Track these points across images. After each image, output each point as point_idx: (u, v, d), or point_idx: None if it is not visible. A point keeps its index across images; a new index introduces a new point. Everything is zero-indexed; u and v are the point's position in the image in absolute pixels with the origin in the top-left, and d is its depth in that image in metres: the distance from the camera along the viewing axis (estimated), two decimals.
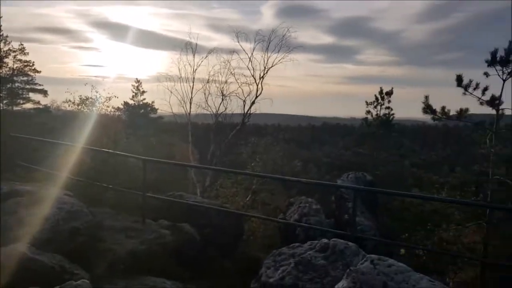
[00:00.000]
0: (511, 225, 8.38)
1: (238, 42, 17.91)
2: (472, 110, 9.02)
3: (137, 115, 25.72)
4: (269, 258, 4.05)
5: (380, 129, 18.94)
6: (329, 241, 4.01)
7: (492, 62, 8.19)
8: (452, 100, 8.76)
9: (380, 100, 19.00)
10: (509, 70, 8.45)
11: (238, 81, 17.89)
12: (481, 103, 8.30)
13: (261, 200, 15.67)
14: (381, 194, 10.19)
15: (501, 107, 8.59)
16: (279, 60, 17.56)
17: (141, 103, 26.68)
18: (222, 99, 17.90)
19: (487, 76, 8.32)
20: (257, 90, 17.59)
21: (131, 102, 26.50)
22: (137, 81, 26.70)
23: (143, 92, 26.50)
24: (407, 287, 2.79)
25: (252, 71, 17.83)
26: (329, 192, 12.25)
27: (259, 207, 15.17)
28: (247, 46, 18.47)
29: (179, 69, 18.58)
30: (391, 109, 19.13)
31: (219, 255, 5.91)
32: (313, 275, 3.60)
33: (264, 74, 17.54)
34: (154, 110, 25.95)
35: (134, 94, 26.57)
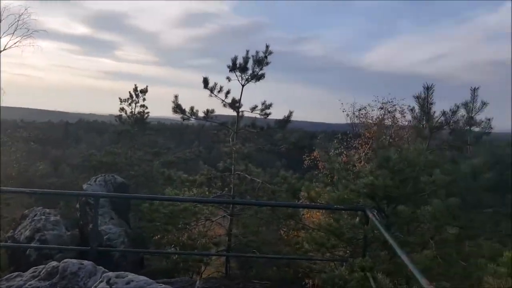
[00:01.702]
0: (252, 215, 9.70)
1: None
2: (219, 111, 10.15)
3: None
4: None
5: (134, 127, 18.93)
6: (59, 264, 3.40)
7: (232, 68, 9.39)
8: (204, 102, 9.54)
9: (134, 98, 18.98)
10: (247, 77, 9.81)
11: None
12: (224, 105, 9.39)
13: None
14: (123, 199, 10.11)
15: (241, 109, 9.92)
16: (14, 43, 14.57)
17: None
18: None
19: (229, 81, 9.47)
20: None
21: None
22: None
23: None
24: None
25: None
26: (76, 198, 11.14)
27: None
28: None
29: None
30: (146, 107, 19.39)
31: None
32: None
33: None
34: None
35: None
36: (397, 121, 11.06)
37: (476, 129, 7.47)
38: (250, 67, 9.74)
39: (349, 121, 12.27)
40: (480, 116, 7.35)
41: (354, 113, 12.18)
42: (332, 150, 8.67)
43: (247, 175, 9.17)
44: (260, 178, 9.31)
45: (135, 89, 19.09)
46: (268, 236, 10.05)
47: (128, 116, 19.16)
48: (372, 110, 11.98)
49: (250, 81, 9.85)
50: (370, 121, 11.55)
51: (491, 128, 7.37)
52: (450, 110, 6.31)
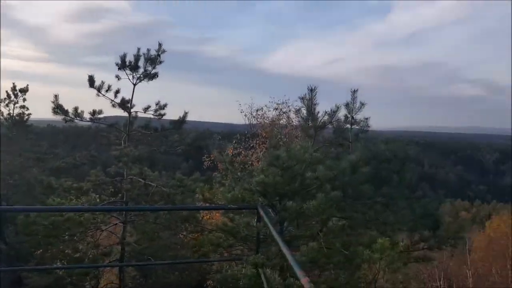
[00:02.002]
0: (148, 221, 9.32)
1: None
2: (111, 112, 9.57)
3: None
4: None
5: (12, 131, 16.88)
6: None
7: (122, 66, 8.93)
8: (99, 102, 8.91)
9: (13, 98, 16.90)
10: (138, 75, 9.41)
11: None
12: (114, 105, 8.88)
13: None
14: None
15: (133, 109, 9.48)
16: None
17: None
18: None
19: (119, 79, 8.98)
20: None
21: None
22: None
23: None
24: None
25: None
26: None
27: None
28: None
29: None
30: (27, 108, 17.39)
31: None
32: None
33: None
34: None
35: None
36: (292, 121, 11.71)
37: (356, 127, 8.21)
38: (142, 65, 9.39)
39: (247, 122, 12.63)
40: (359, 116, 8.10)
41: (251, 114, 12.57)
42: (226, 151, 8.78)
43: (141, 180, 8.80)
44: (156, 182, 9.01)
45: (13, 88, 17.03)
46: (167, 241, 9.79)
47: (6, 119, 17.03)
48: (269, 110, 12.50)
49: (143, 80, 9.48)
50: (266, 121, 12.04)
51: (369, 126, 8.17)
52: (331, 110, 6.85)
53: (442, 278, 19.21)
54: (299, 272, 3.34)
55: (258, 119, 12.49)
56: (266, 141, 11.43)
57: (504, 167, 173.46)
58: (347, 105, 7.89)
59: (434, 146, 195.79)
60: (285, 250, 3.93)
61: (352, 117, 7.96)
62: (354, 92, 7.89)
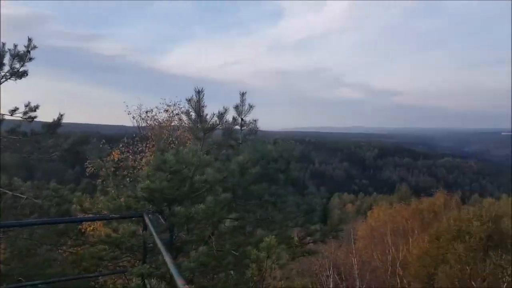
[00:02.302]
0: (20, 237, 8.25)
1: None
2: None
3: None
4: None
5: None
6: None
7: None
8: None
9: None
10: (4, 73, 8.33)
11: None
12: None
13: None
14: None
15: (1, 112, 8.34)
16: None
17: None
18: None
19: None
20: None
21: None
22: None
23: None
24: None
25: None
26: None
27: None
28: None
29: None
30: None
31: None
32: None
33: None
34: None
35: None
36: (183, 123, 11.45)
37: (246, 129, 8.36)
38: (8, 62, 8.30)
39: (135, 124, 11.99)
40: (249, 117, 8.27)
41: (140, 116, 11.98)
42: (109, 156, 8.20)
43: (7, 191, 7.74)
44: (27, 193, 8.02)
45: None
46: (42, 258, 8.78)
47: None
48: (159, 112, 12.06)
49: (9, 78, 8.39)
50: (156, 124, 11.59)
51: (257, 127, 8.39)
52: (219, 112, 6.86)
53: (331, 268, 20.82)
54: (179, 281, 3.23)
55: (148, 121, 11.97)
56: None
57: (382, 162, 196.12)
58: (236, 107, 7.99)
59: (323, 144, 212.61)
60: (167, 258, 3.78)
61: (242, 119, 8.09)
62: (243, 94, 8.03)
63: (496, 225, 20.13)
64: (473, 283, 18.32)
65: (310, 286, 20.91)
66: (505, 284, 17.26)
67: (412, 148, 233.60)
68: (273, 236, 6.22)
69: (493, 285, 18.01)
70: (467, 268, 18.78)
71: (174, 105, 11.97)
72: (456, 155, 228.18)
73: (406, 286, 21.83)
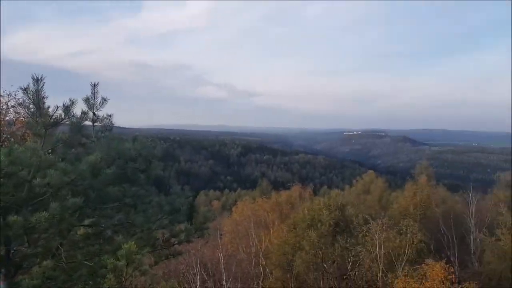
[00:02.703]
0: None
1: None
2: None
3: None
4: None
5: None
6: None
7: None
8: None
9: None
10: None
11: None
12: None
13: None
14: None
15: None
16: None
17: None
18: None
19: None
20: None
21: None
22: None
23: None
24: None
25: None
26: None
27: None
28: None
29: None
30: None
31: None
32: None
33: None
34: None
35: None
36: (21, 117, 9.77)
37: (99, 125, 7.54)
38: None
39: None
40: (103, 112, 7.46)
41: None
42: None
43: None
44: None
45: None
46: None
47: None
48: None
49: None
50: None
51: (113, 123, 7.65)
52: (64, 104, 5.97)
53: (198, 265, 20.75)
54: None
55: None
56: None
57: (246, 159, 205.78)
58: (87, 100, 7.14)
59: (189, 142, 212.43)
60: None
61: (94, 113, 7.27)
62: (95, 85, 7.21)
63: (342, 212, 22.88)
64: (324, 265, 20.47)
65: None
66: (350, 264, 19.80)
67: (272, 146, 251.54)
68: (133, 242, 5.73)
69: (341, 266, 20.44)
70: (320, 252, 20.90)
71: (9, 95, 10.14)
72: (308, 152, 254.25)
73: (269, 274, 23.17)
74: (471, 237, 24.48)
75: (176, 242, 8.63)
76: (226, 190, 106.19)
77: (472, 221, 24.76)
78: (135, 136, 8.05)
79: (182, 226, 8.78)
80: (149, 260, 8.04)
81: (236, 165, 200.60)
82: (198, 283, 20.78)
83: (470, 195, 26.35)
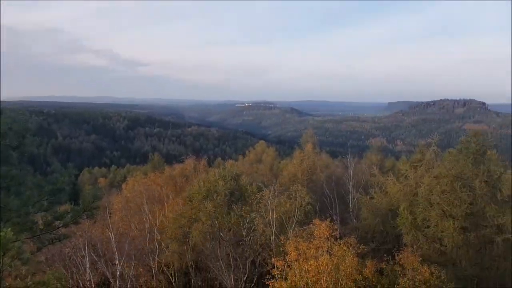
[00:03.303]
0: None
1: None
2: None
3: None
4: None
5: None
6: None
7: None
8: None
9: None
10: None
11: None
12: None
13: None
14: None
15: None
16: None
17: None
18: None
19: None
20: None
21: None
22: None
23: None
24: None
25: None
26: None
27: None
28: None
29: None
30: None
31: None
32: None
33: None
34: None
35: None
36: None
37: None
38: None
39: None
40: None
41: None
42: None
43: None
44: None
45: None
46: None
47: None
48: None
49: None
50: None
51: None
52: None
53: (86, 247, 19.52)
54: None
55: None
56: None
57: (133, 132, 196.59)
58: None
59: (67, 116, 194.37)
60: None
61: None
62: None
63: (236, 182, 23.54)
64: (221, 234, 20.99)
65: (64, 273, 19.13)
66: (245, 230, 20.65)
67: (163, 118, 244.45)
68: (9, 228, 5.06)
69: (237, 233, 21.20)
70: (216, 222, 21.33)
71: None
72: (202, 124, 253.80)
73: (165, 249, 22.94)
74: (350, 197, 27.46)
75: (60, 225, 7.90)
76: (114, 166, 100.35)
77: (350, 182, 27.72)
78: (1, 109, 6.96)
79: (68, 207, 8.06)
80: (29, 247, 7.24)
81: (123, 140, 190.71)
82: (88, 265, 19.61)
83: (348, 159, 29.39)
